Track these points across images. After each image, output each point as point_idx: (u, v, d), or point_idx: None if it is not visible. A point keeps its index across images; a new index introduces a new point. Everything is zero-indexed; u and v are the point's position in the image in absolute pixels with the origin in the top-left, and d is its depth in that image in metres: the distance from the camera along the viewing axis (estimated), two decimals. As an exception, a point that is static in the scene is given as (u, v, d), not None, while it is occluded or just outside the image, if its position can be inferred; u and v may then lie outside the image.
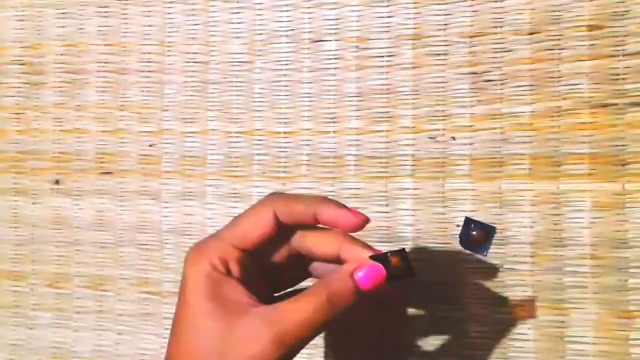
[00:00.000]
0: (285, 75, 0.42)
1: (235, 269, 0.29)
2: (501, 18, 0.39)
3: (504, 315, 0.39)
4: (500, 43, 0.39)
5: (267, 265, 0.31)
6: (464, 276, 0.39)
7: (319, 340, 0.40)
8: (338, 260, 0.30)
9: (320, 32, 0.42)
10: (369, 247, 0.30)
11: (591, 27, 0.38)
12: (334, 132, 0.41)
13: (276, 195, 0.30)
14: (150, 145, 0.44)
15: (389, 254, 0.29)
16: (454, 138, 0.39)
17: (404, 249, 0.29)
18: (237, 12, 0.43)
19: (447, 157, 0.40)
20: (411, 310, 0.40)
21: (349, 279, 0.28)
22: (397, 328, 0.40)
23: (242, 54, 0.43)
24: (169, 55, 0.44)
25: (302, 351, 0.27)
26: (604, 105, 0.38)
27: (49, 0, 0.46)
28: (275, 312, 0.27)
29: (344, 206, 0.30)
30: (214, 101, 0.43)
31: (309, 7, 0.42)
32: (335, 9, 0.41)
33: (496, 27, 0.39)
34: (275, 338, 0.26)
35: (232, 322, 0.27)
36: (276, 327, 0.27)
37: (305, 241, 0.31)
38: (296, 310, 0.27)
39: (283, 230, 0.30)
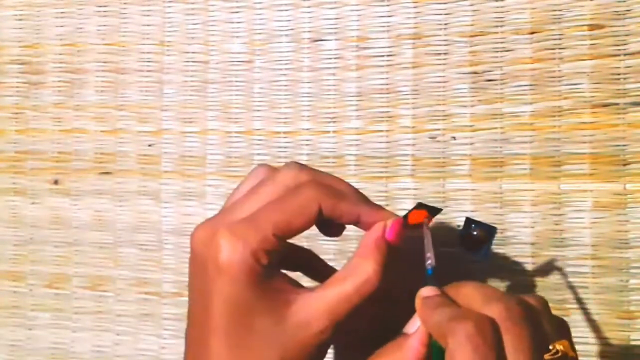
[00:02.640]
0: (285, 74, 0.42)
1: (275, 258, 0.28)
2: (502, 17, 0.39)
3: (505, 316, 0.38)
4: (501, 42, 0.39)
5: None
6: (464, 277, 0.39)
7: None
8: (357, 224, 0.30)
9: (320, 31, 0.42)
10: (385, 210, 0.31)
11: (592, 27, 0.38)
12: (334, 132, 0.41)
13: (321, 188, 0.29)
14: (150, 145, 0.44)
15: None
16: (454, 138, 0.39)
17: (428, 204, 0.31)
18: (237, 12, 0.43)
19: (448, 157, 0.39)
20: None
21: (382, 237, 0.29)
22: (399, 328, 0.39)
23: (241, 53, 0.43)
24: (168, 55, 0.44)
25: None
26: (605, 105, 0.38)
27: (47, -1, 0.46)
28: (323, 292, 0.28)
29: (386, 212, 0.30)
30: (214, 101, 0.43)
31: (308, 7, 0.42)
32: (335, 8, 0.41)
33: (497, 26, 0.39)
34: (329, 316, 0.27)
35: (283, 313, 0.27)
36: (329, 306, 0.27)
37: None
38: (345, 285, 0.28)
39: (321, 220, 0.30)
